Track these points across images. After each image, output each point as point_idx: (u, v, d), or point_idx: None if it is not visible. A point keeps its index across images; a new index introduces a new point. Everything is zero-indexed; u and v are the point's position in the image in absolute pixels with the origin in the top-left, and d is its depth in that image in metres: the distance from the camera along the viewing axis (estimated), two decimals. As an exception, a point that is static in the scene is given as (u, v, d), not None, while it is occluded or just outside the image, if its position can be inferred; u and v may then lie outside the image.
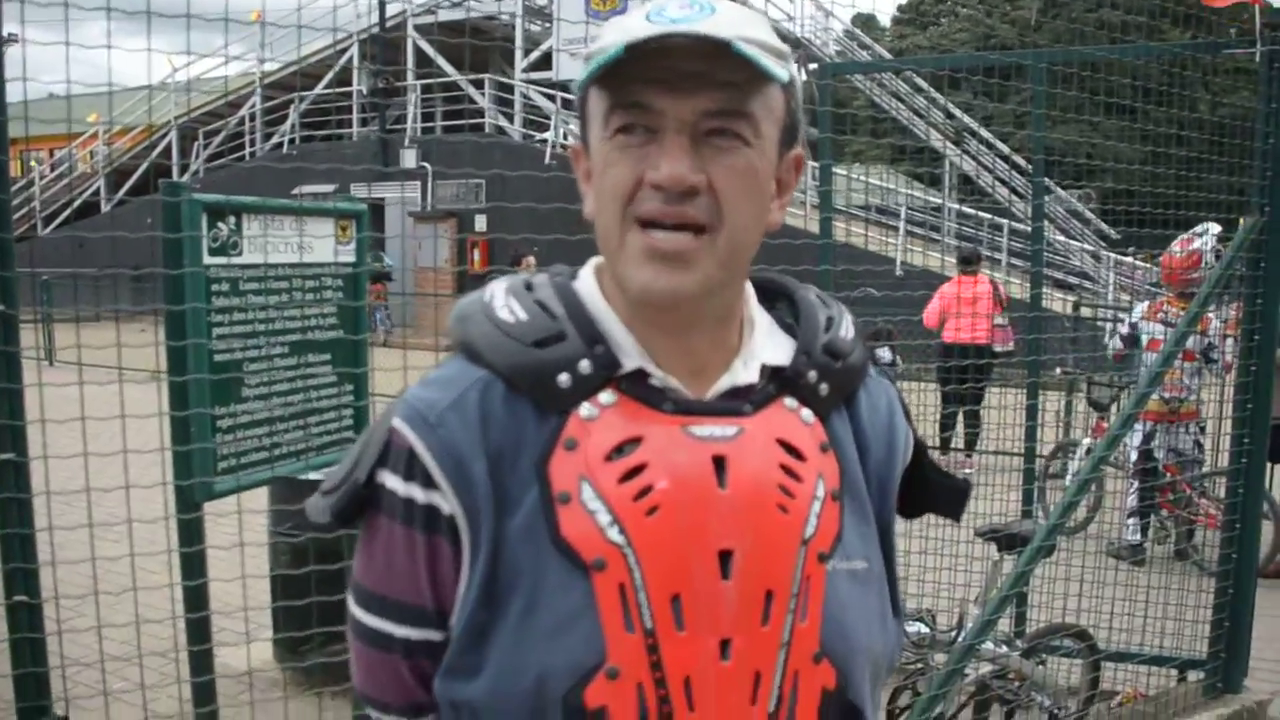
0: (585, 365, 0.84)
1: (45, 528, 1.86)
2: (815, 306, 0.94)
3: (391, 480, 0.86)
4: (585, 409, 0.83)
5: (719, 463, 0.82)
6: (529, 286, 0.90)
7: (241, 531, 2.23)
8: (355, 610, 0.91)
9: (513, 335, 0.86)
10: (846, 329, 0.93)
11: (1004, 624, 3.07)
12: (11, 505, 1.82)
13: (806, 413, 0.88)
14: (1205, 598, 3.40)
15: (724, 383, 0.87)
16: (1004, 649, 3.00)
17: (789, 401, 0.88)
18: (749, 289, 0.94)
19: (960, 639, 2.83)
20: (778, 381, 0.88)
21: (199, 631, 2.16)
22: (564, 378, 0.83)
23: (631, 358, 0.85)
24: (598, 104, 0.83)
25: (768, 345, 0.91)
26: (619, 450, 0.82)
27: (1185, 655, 3.41)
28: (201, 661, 2.16)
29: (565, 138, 14.56)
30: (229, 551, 2.24)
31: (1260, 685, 3.47)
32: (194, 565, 2.16)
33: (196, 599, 2.15)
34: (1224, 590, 3.33)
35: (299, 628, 2.92)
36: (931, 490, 1.00)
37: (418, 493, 0.85)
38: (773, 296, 0.97)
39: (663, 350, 0.86)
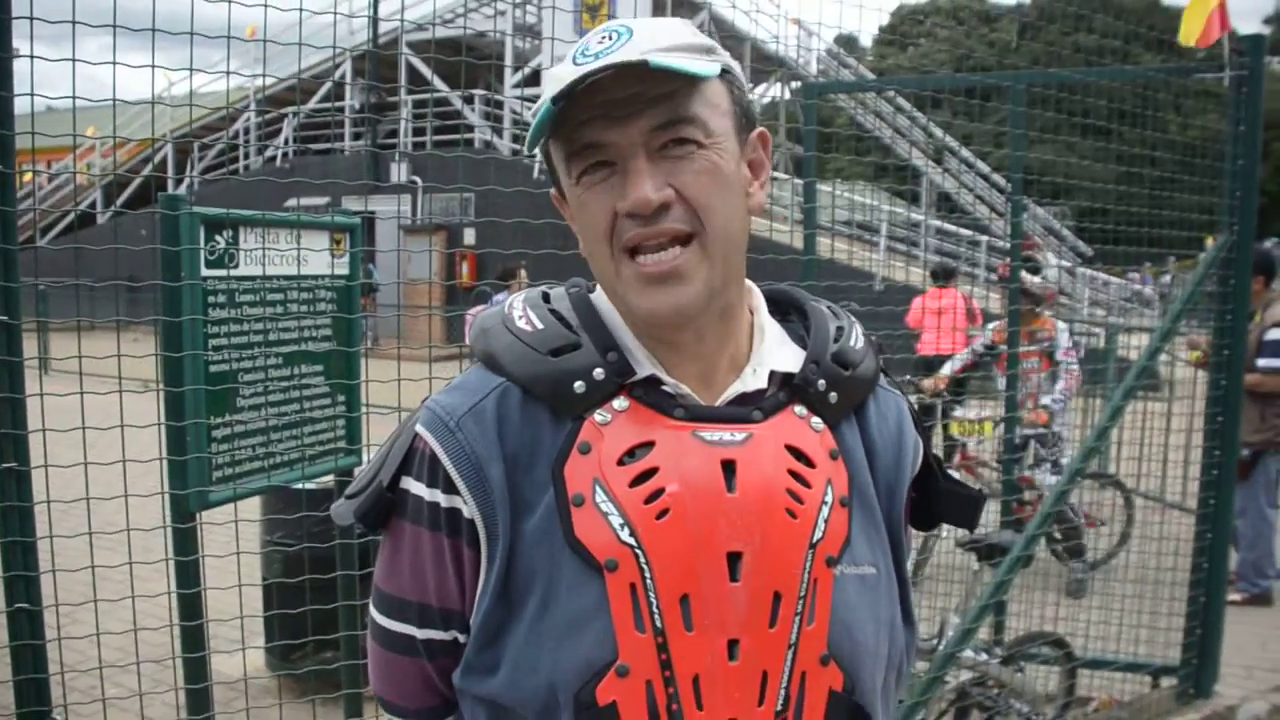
0: (599, 373, 0.87)
1: (45, 536, 1.87)
2: (826, 317, 0.97)
3: (416, 486, 0.89)
4: (599, 415, 0.86)
5: (728, 467, 0.84)
6: (546, 298, 0.94)
7: (238, 540, 2.25)
8: (378, 616, 0.94)
9: (530, 344, 0.89)
10: (856, 339, 0.96)
11: (983, 632, 3.12)
12: (13, 513, 1.84)
13: (816, 420, 0.90)
14: (1178, 606, 3.48)
15: (734, 389, 0.89)
16: (983, 657, 3.05)
17: (799, 409, 0.90)
18: (760, 300, 0.97)
19: (941, 647, 2.88)
20: (788, 389, 0.91)
21: (194, 639, 2.17)
22: (579, 385, 0.86)
23: (643, 365, 0.89)
24: (557, 154, 0.88)
25: (778, 353, 0.93)
26: (631, 454, 0.85)
27: (1159, 662, 3.48)
28: (196, 669, 2.17)
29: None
30: (223, 560, 2.26)
31: (1230, 691, 3.54)
32: (189, 573, 2.18)
33: (191, 607, 2.17)
34: (1196, 599, 3.42)
35: (292, 636, 2.95)
36: (944, 500, 1.00)
37: (440, 497, 0.88)
38: (785, 310, 1.00)
39: (674, 357, 0.89)
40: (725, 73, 0.86)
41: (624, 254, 0.84)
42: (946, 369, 5.44)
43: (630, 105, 0.82)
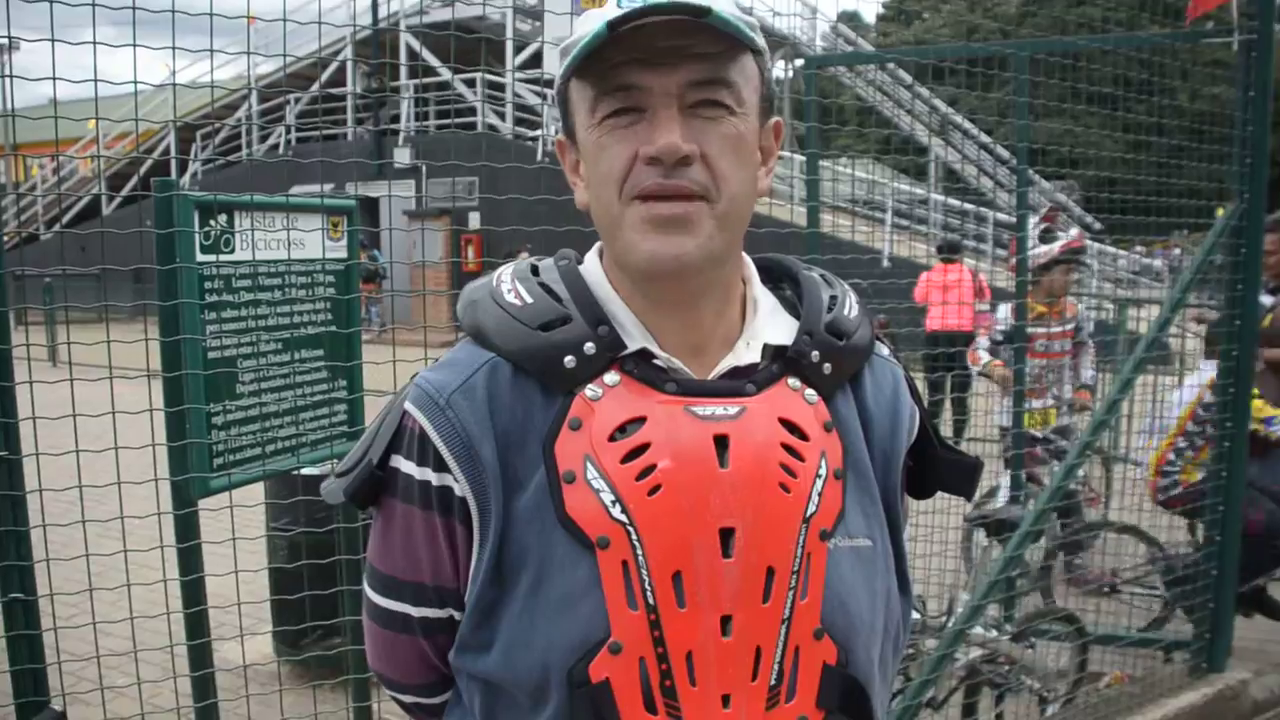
0: (590, 347, 0.85)
1: (38, 525, 1.86)
2: (819, 285, 0.95)
3: (406, 465, 0.87)
4: (590, 390, 0.85)
5: (721, 442, 0.83)
6: (535, 270, 0.91)
7: (233, 527, 2.23)
8: (372, 595, 0.93)
9: (519, 319, 0.87)
10: (850, 308, 0.94)
11: (993, 609, 3.10)
12: (4, 503, 1.82)
13: (810, 392, 0.89)
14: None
15: (727, 363, 0.88)
16: (994, 633, 3.03)
17: (792, 381, 0.88)
18: (753, 270, 0.94)
19: (950, 624, 2.86)
20: (781, 361, 0.89)
21: (197, 626, 2.17)
22: (569, 360, 0.85)
23: (635, 339, 0.86)
24: (582, 93, 0.84)
25: (771, 325, 0.91)
26: (622, 430, 0.83)
27: (1171, 637, 3.46)
28: (200, 656, 2.17)
29: (556, 133, 14.56)
30: (224, 546, 2.25)
31: (1244, 665, 3.52)
32: (190, 561, 2.16)
33: (193, 594, 2.16)
34: (1207, 573, 3.38)
35: (296, 621, 2.94)
36: (941, 468, 0.99)
37: (431, 476, 0.86)
38: (778, 278, 0.98)
39: (666, 329, 0.87)
40: (760, 52, 0.86)
41: (632, 200, 0.82)
42: (985, 350, 5.00)
43: (673, 54, 0.80)
